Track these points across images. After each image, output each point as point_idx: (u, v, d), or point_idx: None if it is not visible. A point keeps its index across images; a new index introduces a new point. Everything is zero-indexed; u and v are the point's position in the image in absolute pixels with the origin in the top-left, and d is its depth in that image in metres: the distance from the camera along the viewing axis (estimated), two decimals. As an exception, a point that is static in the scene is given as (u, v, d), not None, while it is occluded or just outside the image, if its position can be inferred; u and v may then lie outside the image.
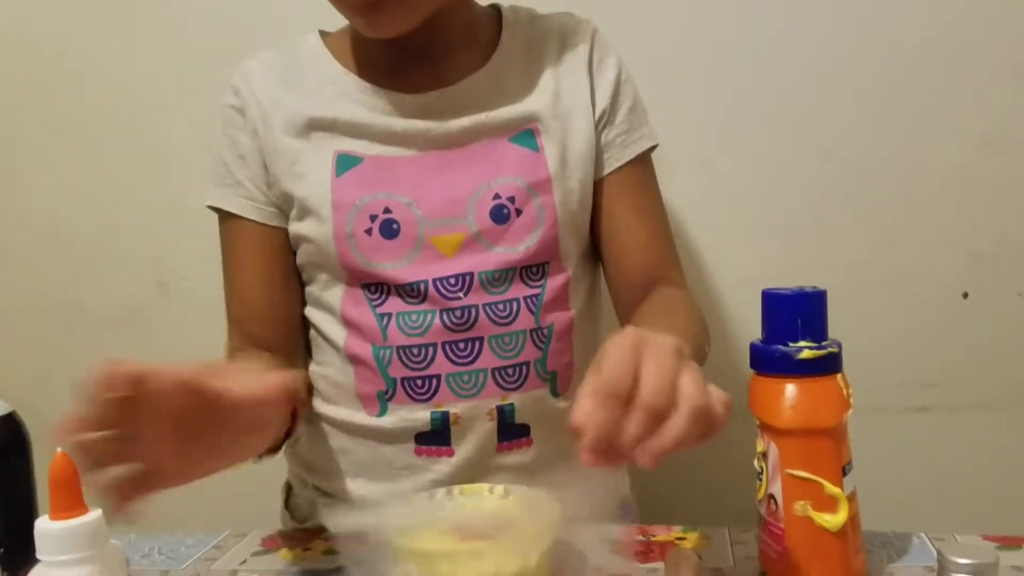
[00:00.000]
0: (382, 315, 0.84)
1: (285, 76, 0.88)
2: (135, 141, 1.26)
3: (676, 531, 0.79)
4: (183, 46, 1.22)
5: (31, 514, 0.67)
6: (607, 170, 0.89)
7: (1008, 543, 0.72)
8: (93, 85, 1.25)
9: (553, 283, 0.85)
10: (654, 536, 0.78)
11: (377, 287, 0.84)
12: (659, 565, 0.71)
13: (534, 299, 0.85)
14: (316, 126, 0.85)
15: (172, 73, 1.23)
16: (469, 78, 0.86)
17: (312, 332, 0.90)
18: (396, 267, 0.83)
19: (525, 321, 0.84)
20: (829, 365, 0.64)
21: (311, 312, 0.90)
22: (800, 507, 0.64)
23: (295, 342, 0.91)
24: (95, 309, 1.30)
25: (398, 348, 0.83)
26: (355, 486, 0.89)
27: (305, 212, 0.85)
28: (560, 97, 0.87)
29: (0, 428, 0.65)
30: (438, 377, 0.84)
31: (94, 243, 1.28)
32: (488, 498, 0.77)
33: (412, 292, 0.83)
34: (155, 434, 0.52)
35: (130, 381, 0.49)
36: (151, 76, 1.24)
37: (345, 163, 0.84)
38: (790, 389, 0.64)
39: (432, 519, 0.75)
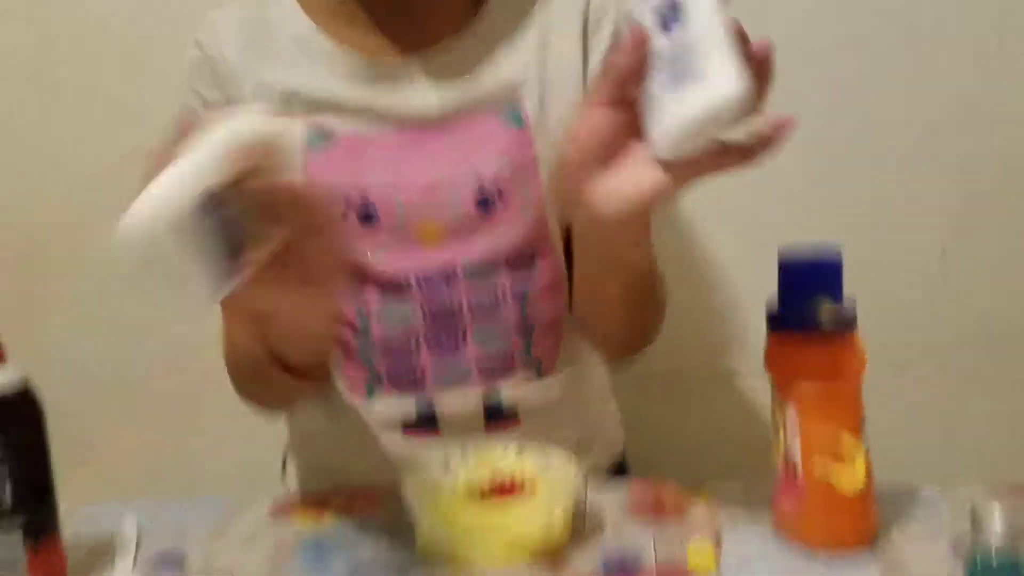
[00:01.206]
0: (360, 308, 0.81)
1: (252, 36, 0.82)
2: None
3: (687, 487, 0.80)
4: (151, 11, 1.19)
5: (48, 482, 0.66)
6: None
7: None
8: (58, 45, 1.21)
9: (542, 270, 0.82)
10: (664, 494, 0.79)
11: (354, 276, 0.80)
12: (672, 520, 0.73)
13: (521, 288, 0.82)
14: (286, 96, 0.80)
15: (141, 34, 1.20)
16: (452, 39, 0.81)
17: None
18: (375, 256, 0.79)
19: (511, 311, 0.82)
20: (847, 323, 0.65)
21: None
22: (819, 463, 0.65)
23: None
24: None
25: (380, 341, 0.82)
26: (346, 459, 0.88)
27: None
28: (547, 65, 0.81)
29: (14, 397, 0.64)
30: (422, 368, 0.82)
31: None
32: (502, 457, 0.78)
33: (392, 285, 0.80)
34: None
35: None
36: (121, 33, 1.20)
37: (318, 139, 0.79)
38: (813, 347, 0.65)
39: (452, 479, 0.75)
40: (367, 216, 0.79)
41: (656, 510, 0.75)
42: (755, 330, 1.17)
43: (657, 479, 0.82)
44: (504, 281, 0.81)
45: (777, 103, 1.09)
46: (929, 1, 1.12)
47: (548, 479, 0.73)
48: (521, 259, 0.81)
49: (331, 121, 0.79)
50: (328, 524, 0.77)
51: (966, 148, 1.14)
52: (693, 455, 1.16)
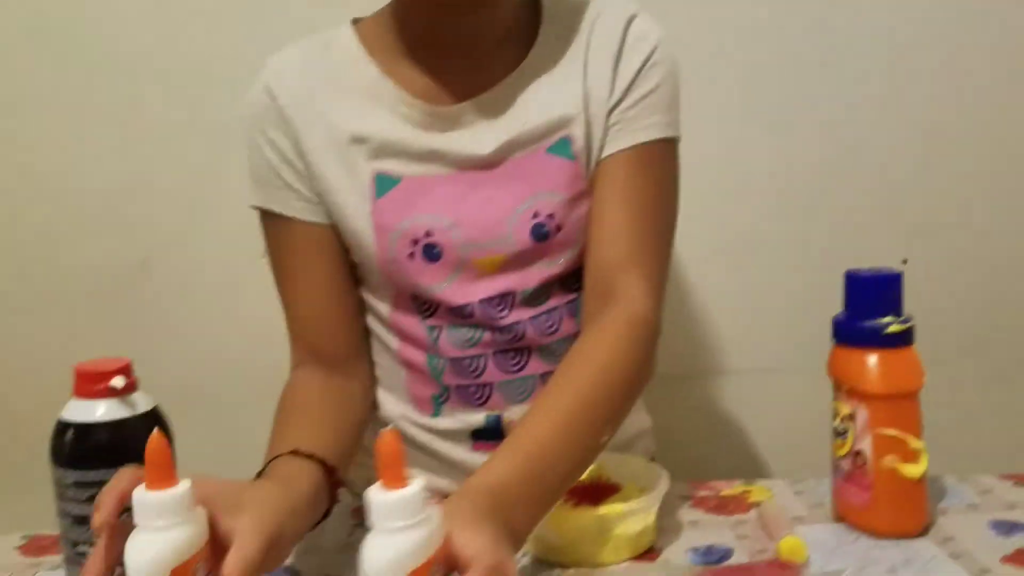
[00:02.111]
0: (432, 327, 0.86)
1: (320, 81, 0.84)
2: (119, 103, 1.22)
3: (737, 484, 0.87)
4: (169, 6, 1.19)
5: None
6: (605, 153, 0.84)
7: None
8: (75, 39, 1.20)
9: None
10: (721, 491, 0.86)
11: (425, 301, 0.85)
12: (742, 517, 0.80)
13: (574, 303, 0.87)
14: (354, 141, 0.83)
15: (159, 35, 1.20)
16: (505, 82, 0.84)
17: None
18: (440, 288, 0.84)
19: (568, 326, 0.87)
20: (909, 337, 0.74)
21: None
22: (888, 461, 0.73)
23: (360, 347, 0.90)
24: (68, 289, 1.25)
25: (451, 359, 0.86)
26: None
27: (345, 230, 0.84)
28: (589, 99, 0.84)
29: (147, 423, 0.65)
30: (490, 385, 0.87)
31: (67, 214, 1.23)
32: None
33: (459, 313, 0.85)
34: None
35: None
36: (137, 35, 1.20)
37: (384, 184, 0.83)
38: (880, 359, 0.73)
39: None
40: (431, 254, 0.83)
41: (720, 508, 0.82)
42: (749, 328, 1.27)
43: (702, 480, 0.89)
44: (558, 300, 0.86)
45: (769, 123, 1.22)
46: (887, 37, 1.23)
47: (636, 482, 0.79)
48: (572, 277, 0.86)
49: (396, 165, 0.83)
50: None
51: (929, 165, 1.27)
52: (706, 453, 1.24)
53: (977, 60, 1.24)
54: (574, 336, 0.85)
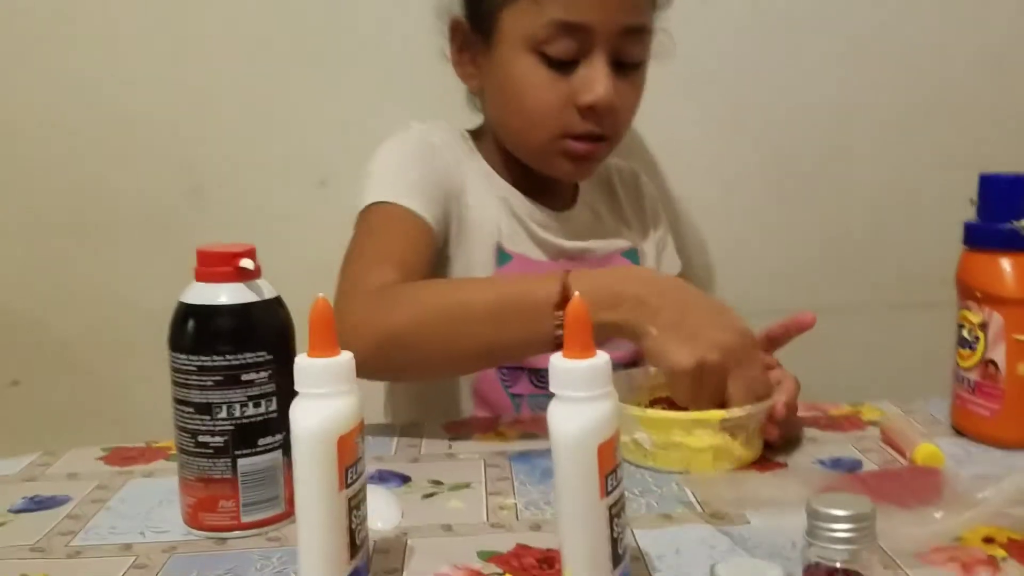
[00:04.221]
0: (514, 395, 0.94)
1: (460, 159, 0.96)
2: (166, 25, 1.17)
3: (843, 406, 0.85)
4: None
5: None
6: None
7: None
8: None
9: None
10: (829, 411, 0.84)
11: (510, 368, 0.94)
12: (859, 433, 0.78)
13: None
14: (484, 217, 0.94)
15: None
16: (576, 206, 1.01)
17: None
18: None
19: None
20: (1046, 241, 0.72)
21: None
22: (1023, 368, 0.71)
23: None
24: (117, 217, 1.21)
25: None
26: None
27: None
28: (643, 232, 1.06)
29: (274, 309, 0.62)
30: None
31: (117, 141, 1.19)
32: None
33: (543, 379, 0.90)
34: None
35: None
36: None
37: (502, 258, 0.95)
38: (1016, 263, 0.71)
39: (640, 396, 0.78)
40: None
41: (834, 425, 0.80)
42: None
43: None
44: None
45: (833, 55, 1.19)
46: None
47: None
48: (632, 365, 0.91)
49: (509, 242, 0.95)
50: (517, 441, 0.78)
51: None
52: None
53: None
54: None
